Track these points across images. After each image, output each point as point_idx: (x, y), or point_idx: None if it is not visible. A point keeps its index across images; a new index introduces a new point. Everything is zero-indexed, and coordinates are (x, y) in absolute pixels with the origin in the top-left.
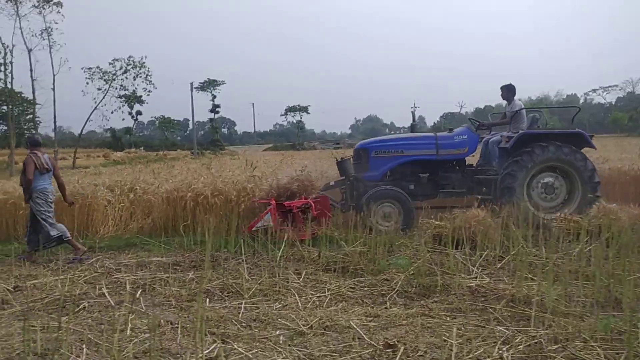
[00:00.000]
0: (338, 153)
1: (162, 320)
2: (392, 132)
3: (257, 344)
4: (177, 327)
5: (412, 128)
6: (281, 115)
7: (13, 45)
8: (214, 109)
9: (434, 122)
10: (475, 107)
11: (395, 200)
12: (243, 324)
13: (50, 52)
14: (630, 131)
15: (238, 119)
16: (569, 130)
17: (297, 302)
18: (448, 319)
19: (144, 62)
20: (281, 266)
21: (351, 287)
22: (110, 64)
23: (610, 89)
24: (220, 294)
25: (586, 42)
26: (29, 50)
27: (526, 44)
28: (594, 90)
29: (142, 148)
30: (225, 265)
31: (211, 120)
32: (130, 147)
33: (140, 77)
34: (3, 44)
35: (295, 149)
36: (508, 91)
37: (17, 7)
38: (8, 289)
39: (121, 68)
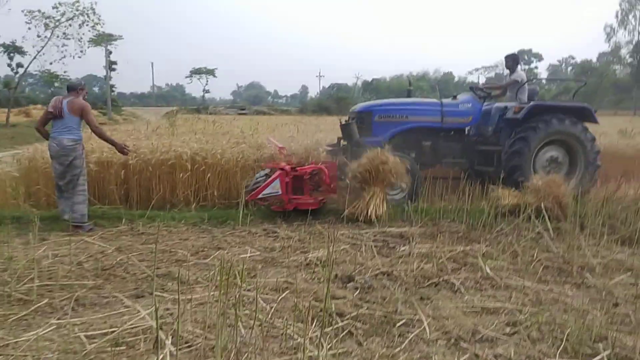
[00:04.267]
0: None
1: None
2: (275, 100)
3: None
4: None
5: (409, 94)
6: (186, 77)
7: None
8: (110, 65)
9: (317, 93)
10: (363, 79)
11: None
12: None
13: None
14: None
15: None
16: (577, 104)
17: None
18: None
19: (94, 9)
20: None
21: None
22: (54, 7)
23: (491, 69)
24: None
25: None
26: None
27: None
28: (477, 69)
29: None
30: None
31: (105, 78)
32: (10, 104)
33: (88, 25)
34: None
35: (199, 113)
36: (513, 60)
37: None
38: None
39: (64, 14)
